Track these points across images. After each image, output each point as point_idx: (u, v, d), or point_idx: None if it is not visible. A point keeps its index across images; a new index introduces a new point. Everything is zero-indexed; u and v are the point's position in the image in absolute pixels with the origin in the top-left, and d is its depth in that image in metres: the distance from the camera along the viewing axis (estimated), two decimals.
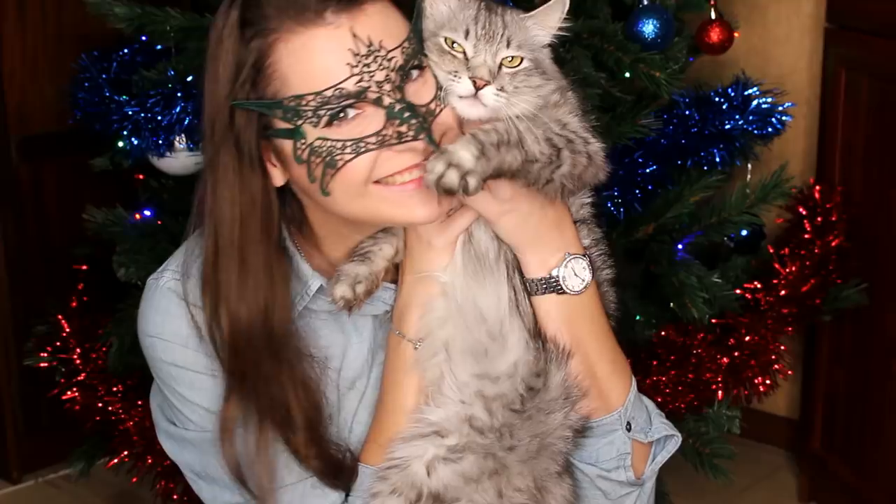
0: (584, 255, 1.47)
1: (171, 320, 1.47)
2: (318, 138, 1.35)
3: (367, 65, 1.34)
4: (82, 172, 3.13)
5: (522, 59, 1.41)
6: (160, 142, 2.64)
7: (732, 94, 2.83)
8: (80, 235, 3.00)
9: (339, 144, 1.35)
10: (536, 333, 1.46)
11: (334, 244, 1.52)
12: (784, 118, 2.86)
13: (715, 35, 2.74)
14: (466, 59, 1.39)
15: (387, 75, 1.35)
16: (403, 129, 1.36)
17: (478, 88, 1.37)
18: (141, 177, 3.00)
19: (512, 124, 1.35)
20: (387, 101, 1.35)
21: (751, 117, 2.81)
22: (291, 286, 1.46)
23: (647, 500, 1.55)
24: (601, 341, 1.50)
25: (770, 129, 2.85)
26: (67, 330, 2.86)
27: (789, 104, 2.89)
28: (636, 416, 1.52)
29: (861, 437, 3.13)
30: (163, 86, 2.63)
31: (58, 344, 2.86)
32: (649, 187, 2.68)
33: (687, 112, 2.78)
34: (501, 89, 1.38)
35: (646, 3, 2.57)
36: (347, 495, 1.50)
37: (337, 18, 1.34)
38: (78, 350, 2.84)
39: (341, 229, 1.50)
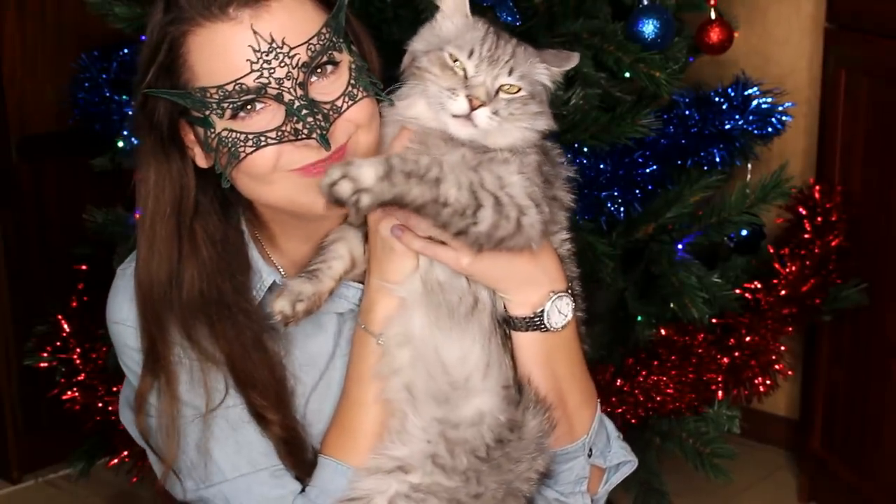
0: (566, 292, 1.46)
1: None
2: (225, 129, 1.38)
3: (268, 61, 1.35)
4: (82, 172, 3.13)
5: (520, 89, 1.40)
6: None
7: (732, 94, 2.82)
8: (80, 235, 3.00)
9: (242, 137, 1.38)
10: (515, 399, 1.43)
11: (288, 240, 1.53)
12: (784, 118, 2.85)
13: (715, 35, 2.73)
14: (466, 77, 1.39)
15: (288, 72, 1.36)
16: (300, 126, 1.37)
17: (473, 108, 1.37)
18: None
19: (437, 163, 1.33)
20: (287, 97, 1.37)
21: (751, 117, 2.80)
22: (251, 274, 1.50)
23: None
24: (574, 373, 1.50)
25: (770, 129, 2.84)
26: (67, 330, 2.85)
27: (789, 104, 2.89)
28: (597, 440, 1.53)
29: (861, 437, 3.12)
30: None
31: (58, 344, 2.86)
32: (649, 187, 2.67)
33: (687, 112, 2.77)
34: (496, 113, 1.37)
35: (646, 3, 2.56)
36: (303, 489, 1.48)
37: (240, 14, 1.36)
38: (78, 350, 2.83)
39: (283, 218, 1.50)
